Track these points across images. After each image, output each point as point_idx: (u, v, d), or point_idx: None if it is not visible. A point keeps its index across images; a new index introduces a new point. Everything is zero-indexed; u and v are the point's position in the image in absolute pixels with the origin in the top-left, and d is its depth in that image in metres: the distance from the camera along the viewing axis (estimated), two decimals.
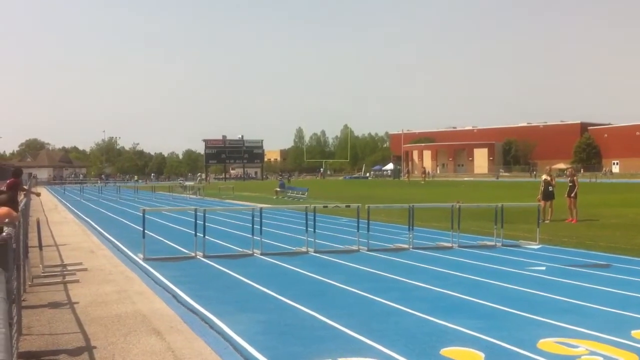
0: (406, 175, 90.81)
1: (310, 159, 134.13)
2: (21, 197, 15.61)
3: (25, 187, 14.05)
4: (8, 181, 13.31)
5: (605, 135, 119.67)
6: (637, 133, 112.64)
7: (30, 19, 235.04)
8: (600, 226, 19.38)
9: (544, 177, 22.15)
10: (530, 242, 15.21)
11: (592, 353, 6.14)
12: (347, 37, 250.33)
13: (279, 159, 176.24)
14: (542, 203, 20.33)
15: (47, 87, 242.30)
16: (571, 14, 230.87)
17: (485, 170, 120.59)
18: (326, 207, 18.57)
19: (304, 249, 13.92)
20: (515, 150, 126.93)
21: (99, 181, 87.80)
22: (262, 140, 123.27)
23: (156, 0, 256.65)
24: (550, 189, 21.46)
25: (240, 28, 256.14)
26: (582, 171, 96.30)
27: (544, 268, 11.53)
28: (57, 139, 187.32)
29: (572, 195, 21.25)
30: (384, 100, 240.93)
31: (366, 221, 14.88)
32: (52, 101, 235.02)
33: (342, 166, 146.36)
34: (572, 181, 21.61)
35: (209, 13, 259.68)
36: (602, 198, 34.76)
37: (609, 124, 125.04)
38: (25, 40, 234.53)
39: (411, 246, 14.41)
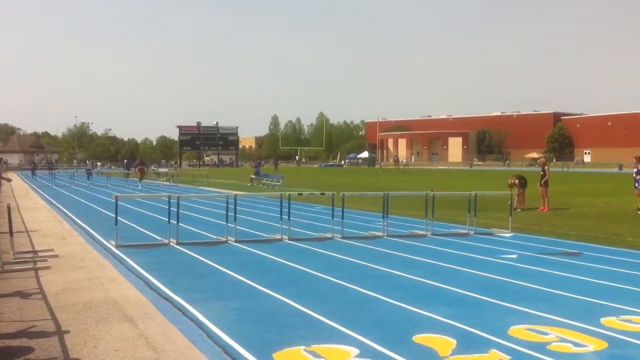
0: (381, 163, 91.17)
1: (285, 147, 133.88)
2: None
3: None
4: None
5: (578, 125, 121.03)
6: (609, 123, 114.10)
7: None
8: (572, 215, 19.63)
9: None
10: (503, 230, 15.36)
11: (562, 340, 6.22)
12: (323, 25, 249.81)
13: (254, 146, 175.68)
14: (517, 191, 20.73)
15: (17, 71, 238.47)
16: (545, 6, 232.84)
17: (460, 159, 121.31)
18: (301, 194, 18.55)
19: (278, 237, 13.91)
20: (489, 139, 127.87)
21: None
22: (237, 127, 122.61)
23: None
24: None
25: (216, 14, 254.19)
26: (554, 160, 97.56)
27: (515, 256, 11.65)
28: (28, 124, 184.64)
29: (542, 183, 21.51)
30: (359, 88, 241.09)
31: (341, 209, 14.90)
32: (22, 86, 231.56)
33: (317, 154, 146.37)
34: (543, 170, 21.89)
35: None
36: (574, 187, 35.21)
37: (582, 114, 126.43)
38: None
39: (385, 234, 14.46)
